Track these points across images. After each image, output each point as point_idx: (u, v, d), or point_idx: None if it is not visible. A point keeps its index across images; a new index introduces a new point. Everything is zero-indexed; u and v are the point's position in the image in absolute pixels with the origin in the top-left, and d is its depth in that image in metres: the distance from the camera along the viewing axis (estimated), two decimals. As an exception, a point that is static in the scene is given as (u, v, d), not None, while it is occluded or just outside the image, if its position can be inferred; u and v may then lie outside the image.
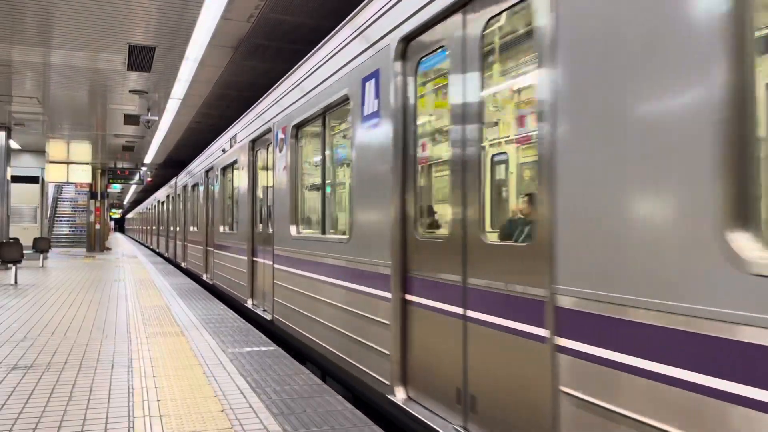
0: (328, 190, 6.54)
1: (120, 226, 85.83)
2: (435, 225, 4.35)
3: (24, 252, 13.16)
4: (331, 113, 6.00)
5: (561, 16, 2.65)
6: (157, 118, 14.11)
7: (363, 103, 4.80)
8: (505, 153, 4.79)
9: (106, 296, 10.10)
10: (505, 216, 4.38)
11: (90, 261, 19.74)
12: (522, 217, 3.70)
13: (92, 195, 26.19)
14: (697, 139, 2.01)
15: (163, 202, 25.57)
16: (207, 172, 13.86)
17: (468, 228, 3.46)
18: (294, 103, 6.81)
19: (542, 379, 2.76)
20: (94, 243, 26.10)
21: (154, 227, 31.00)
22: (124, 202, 58.70)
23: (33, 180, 21.08)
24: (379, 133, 4.47)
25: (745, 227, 1.90)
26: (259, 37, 9.94)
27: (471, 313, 3.41)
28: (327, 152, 6.31)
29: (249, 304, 8.96)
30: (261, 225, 8.74)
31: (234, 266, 10.13)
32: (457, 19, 3.58)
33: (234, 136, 10.55)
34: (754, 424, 1.84)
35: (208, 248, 13.18)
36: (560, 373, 2.61)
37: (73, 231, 31.96)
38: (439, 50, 3.86)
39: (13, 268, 12.36)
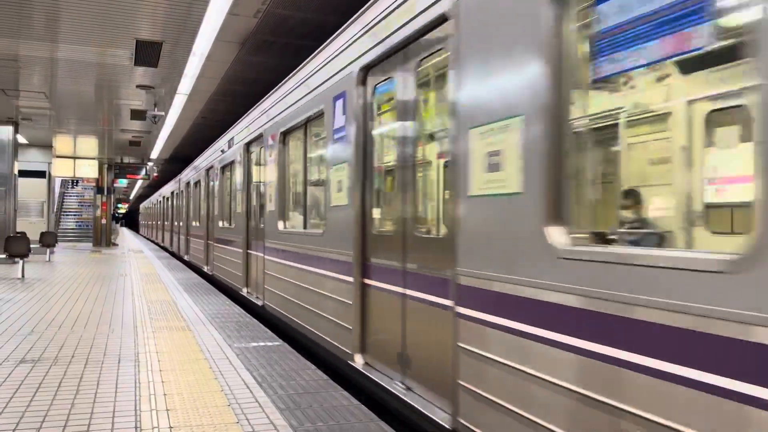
0: None
1: (128, 222, 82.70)
2: None
3: (31, 246, 13.21)
4: None
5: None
6: (163, 113, 14.14)
7: None
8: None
9: (113, 291, 10.14)
10: None
11: (96, 256, 19.82)
12: None
13: (98, 190, 26.29)
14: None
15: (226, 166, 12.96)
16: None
17: None
18: None
19: None
20: (100, 238, 26.21)
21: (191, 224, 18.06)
22: (131, 197, 58.81)
23: (40, 175, 21.17)
24: None
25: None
26: (265, 32, 9.94)
27: None
28: None
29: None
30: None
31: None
32: None
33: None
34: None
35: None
36: None
37: (79, 226, 32.07)
38: None
39: (21, 262, 12.42)
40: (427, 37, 4.08)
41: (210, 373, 4.83)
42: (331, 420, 3.80)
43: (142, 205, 53.75)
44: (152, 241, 35.27)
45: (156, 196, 33.69)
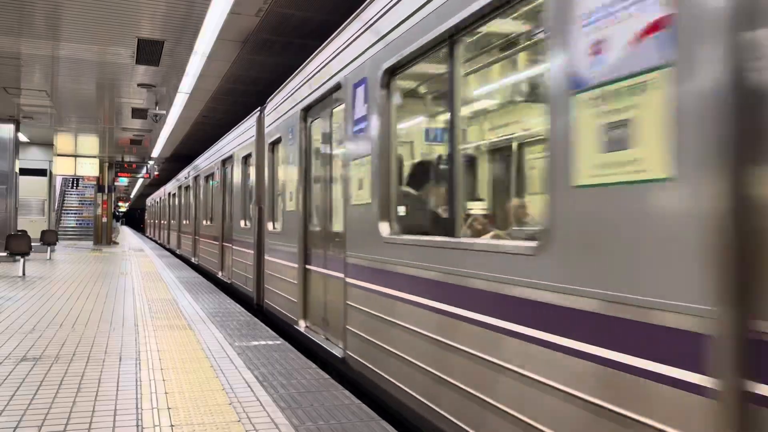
0: None
1: (129, 221, 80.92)
2: None
3: (32, 244, 13.20)
4: None
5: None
6: (164, 112, 14.13)
7: None
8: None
9: (114, 289, 10.15)
10: None
11: (97, 254, 19.83)
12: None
13: (99, 188, 26.26)
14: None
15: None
16: None
17: None
18: None
19: None
20: (101, 236, 26.20)
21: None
22: (131, 196, 58.73)
23: (41, 173, 21.16)
24: None
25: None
26: (267, 31, 9.94)
27: None
28: None
29: None
30: None
31: None
32: None
33: None
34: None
35: None
36: None
37: (80, 224, 32.02)
38: None
39: (21, 260, 12.42)
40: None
41: (211, 372, 4.83)
42: (332, 419, 3.80)
43: (149, 199, 52.27)
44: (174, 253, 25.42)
45: (174, 182, 31.06)
